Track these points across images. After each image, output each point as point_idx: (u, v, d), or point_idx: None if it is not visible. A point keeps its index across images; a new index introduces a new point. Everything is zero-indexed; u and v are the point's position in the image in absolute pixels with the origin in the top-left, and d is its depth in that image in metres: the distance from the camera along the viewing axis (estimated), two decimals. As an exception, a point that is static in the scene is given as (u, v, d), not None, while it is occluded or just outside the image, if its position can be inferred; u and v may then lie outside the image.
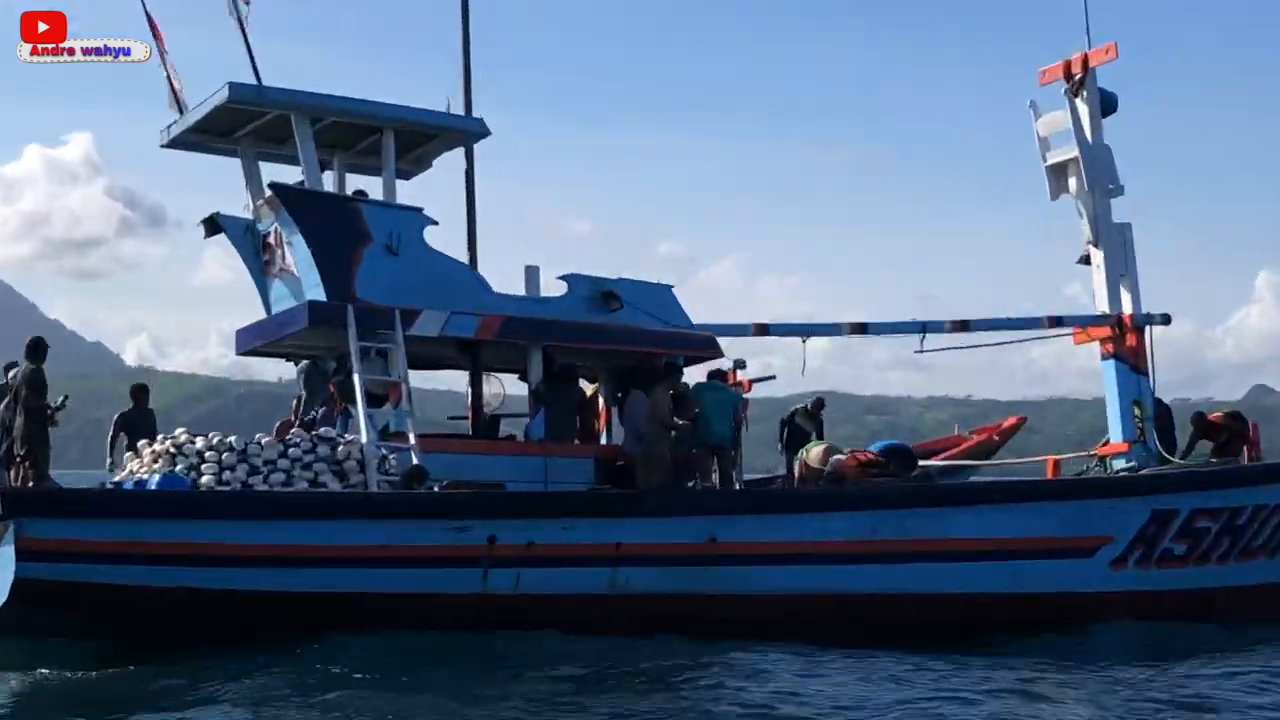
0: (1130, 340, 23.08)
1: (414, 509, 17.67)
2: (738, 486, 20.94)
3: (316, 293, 19.05)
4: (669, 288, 20.82)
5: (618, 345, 20.43)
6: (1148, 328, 23.19)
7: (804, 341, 21.80)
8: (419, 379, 21.12)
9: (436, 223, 19.62)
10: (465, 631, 17.11)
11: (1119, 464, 22.80)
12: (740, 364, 23.48)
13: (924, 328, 22.41)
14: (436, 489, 18.11)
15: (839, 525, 19.52)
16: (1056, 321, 23.32)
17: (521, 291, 20.30)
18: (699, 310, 21.46)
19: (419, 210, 19.66)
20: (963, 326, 22.63)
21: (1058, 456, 23.17)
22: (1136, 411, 22.89)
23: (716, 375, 21.37)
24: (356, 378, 18.52)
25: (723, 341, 21.29)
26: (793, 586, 19.08)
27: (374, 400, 19.31)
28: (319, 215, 19.21)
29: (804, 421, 24.55)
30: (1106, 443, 23.18)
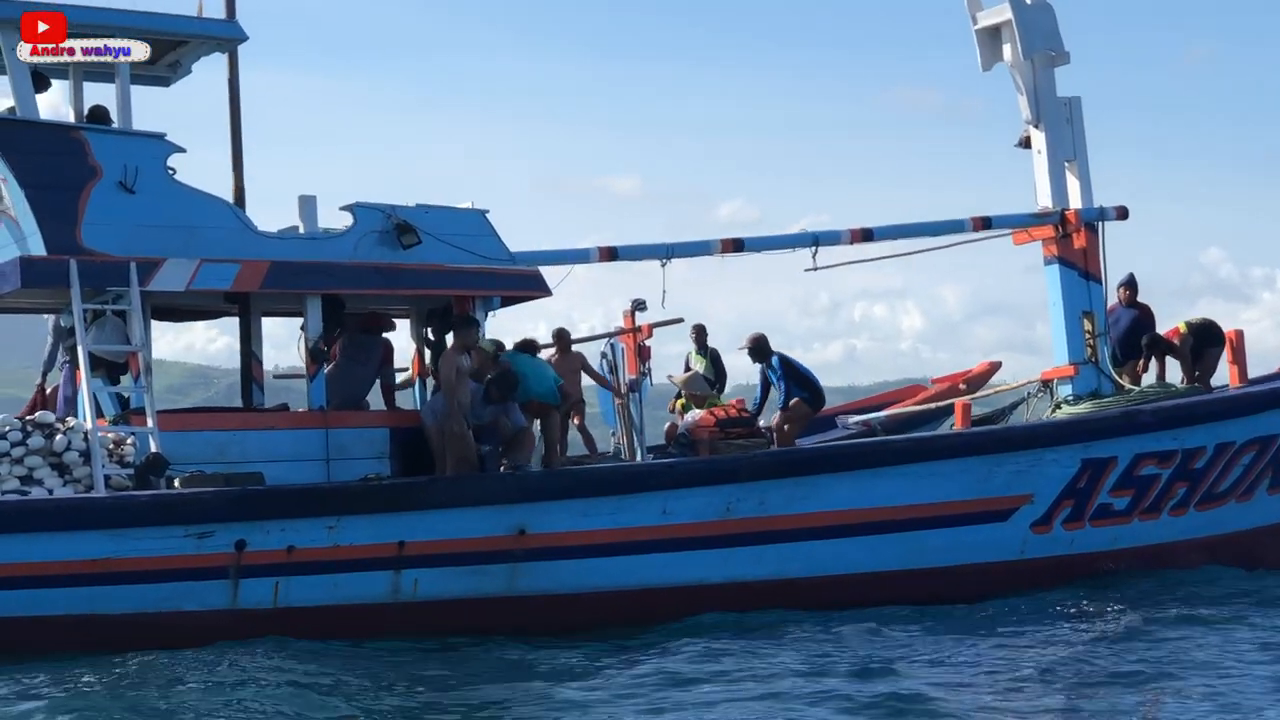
0: (1079, 240, 19.06)
1: (132, 516, 14.68)
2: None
3: (35, 243, 15.71)
4: (482, 213, 17.04)
5: (414, 289, 16.83)
6: (1100, 224, 19.20)
7: (663, 264, 18.12)
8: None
9: (184, 149, 16.15)
10: None
11: (1065, 390, 18.96)
12: (640, 305, 19.82)
13: (816, 240, 18.52)
14: (178, 482, 15.15)
15: (684, 505, 16.15)
16: (985, 224, 19.24)
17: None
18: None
19: (160, 136, 16.08)
20: (865, 236, 18.73)
21: (972, 396, 19.35)
22: (1087, 326, 18.97)
23: (527, 347, 17.79)
24: (81, 349, 15.38)
25: (555, 274, 17.58)
26: (627, 582, 16.06)
27: (116, 369, 16.25)
28: (33, 150, 15.73)
29: (696, 363, 20.43)
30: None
